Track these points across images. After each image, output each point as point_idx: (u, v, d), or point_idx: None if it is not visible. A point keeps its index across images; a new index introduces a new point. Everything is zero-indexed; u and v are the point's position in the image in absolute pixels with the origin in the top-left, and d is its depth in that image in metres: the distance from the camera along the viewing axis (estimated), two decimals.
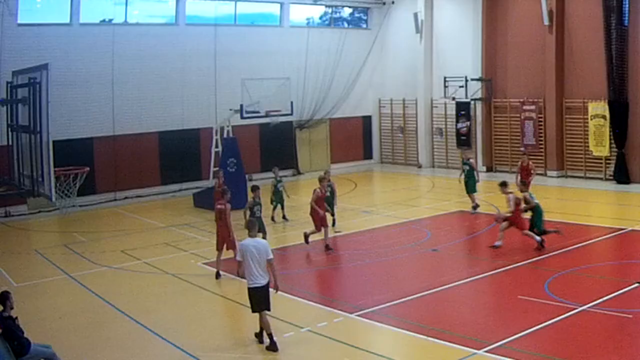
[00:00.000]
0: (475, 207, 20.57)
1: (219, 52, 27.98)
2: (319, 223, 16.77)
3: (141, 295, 14.02)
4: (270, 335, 10.55)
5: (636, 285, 12.54)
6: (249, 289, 10.57)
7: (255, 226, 11.20)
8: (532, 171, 20.89)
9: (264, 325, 10.66)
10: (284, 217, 20.76)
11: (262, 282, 10.49)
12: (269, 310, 10.65)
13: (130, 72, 25.87)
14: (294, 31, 31.12)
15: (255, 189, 16.81)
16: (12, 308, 9.72)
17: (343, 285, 14.71)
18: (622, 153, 24.65)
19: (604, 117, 24.99)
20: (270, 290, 10.66)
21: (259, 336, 10.85)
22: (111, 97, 25.49)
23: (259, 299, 10.51)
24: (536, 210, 15.91)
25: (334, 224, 19.00)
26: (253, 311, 10.68)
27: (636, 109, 24.32)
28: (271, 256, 10.53)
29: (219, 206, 14.80)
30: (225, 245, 14.67)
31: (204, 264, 15.99)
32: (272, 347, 10.45)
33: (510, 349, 9.92)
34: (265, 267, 10.51)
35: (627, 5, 23.87)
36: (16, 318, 9.70)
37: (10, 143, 15.17)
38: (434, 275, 14.58)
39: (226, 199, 14.74)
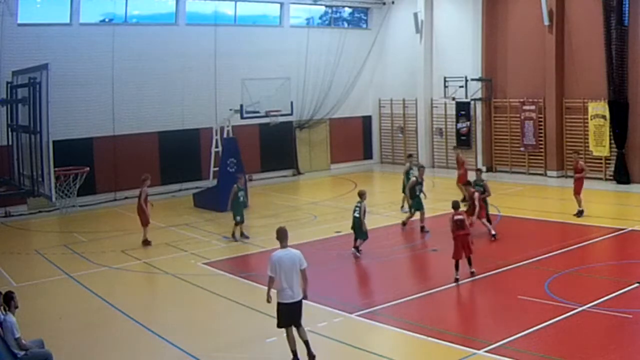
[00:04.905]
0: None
1: (219, 52, 27.96)
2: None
3: (141, 295, 14.03)
4: None
5: (636, 285, 12.55)
6: None
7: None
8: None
9: None
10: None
11: None
12: None
13: (130, 72, 25.84)
14: (294, 31, 31.11)
15: (239, 177, 18.52)
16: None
17: (343, 285, 14.68)
18: (622, 153, 24.64)
19: (604, 117, 24.98)
20: None
21: None
22: (111, 97, 25.47)
23: None
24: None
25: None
26: None
27: (636, 109, 24.31)
28: None
29: None
30: None
31: (204, 264, 15.99)
32: None
33: (510, 349, 9.91)
34: None
35: (627, 5, 23.84)
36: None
37: (10, 143, 15.17)
38: (434, 275, 14.58)
39: None
